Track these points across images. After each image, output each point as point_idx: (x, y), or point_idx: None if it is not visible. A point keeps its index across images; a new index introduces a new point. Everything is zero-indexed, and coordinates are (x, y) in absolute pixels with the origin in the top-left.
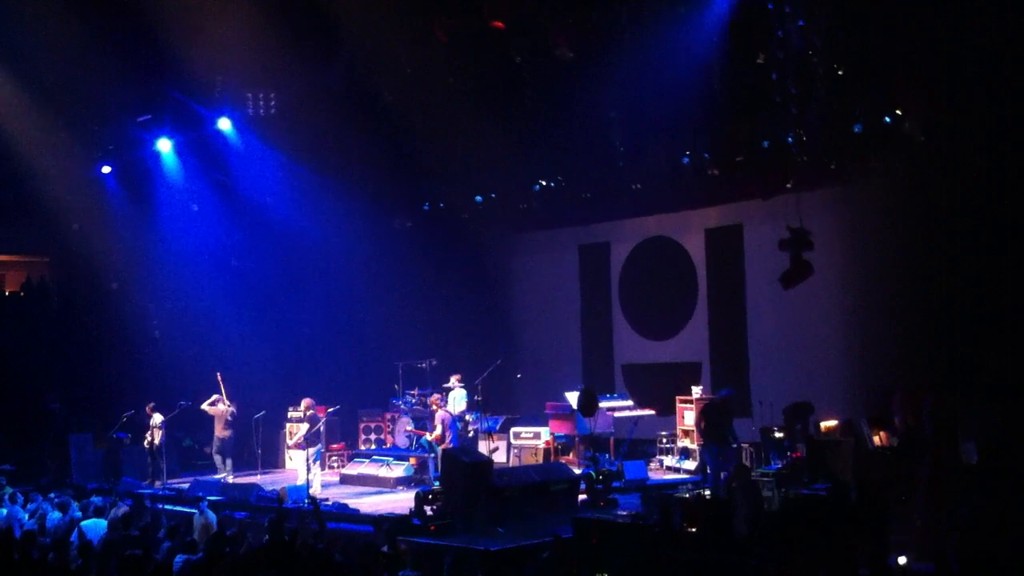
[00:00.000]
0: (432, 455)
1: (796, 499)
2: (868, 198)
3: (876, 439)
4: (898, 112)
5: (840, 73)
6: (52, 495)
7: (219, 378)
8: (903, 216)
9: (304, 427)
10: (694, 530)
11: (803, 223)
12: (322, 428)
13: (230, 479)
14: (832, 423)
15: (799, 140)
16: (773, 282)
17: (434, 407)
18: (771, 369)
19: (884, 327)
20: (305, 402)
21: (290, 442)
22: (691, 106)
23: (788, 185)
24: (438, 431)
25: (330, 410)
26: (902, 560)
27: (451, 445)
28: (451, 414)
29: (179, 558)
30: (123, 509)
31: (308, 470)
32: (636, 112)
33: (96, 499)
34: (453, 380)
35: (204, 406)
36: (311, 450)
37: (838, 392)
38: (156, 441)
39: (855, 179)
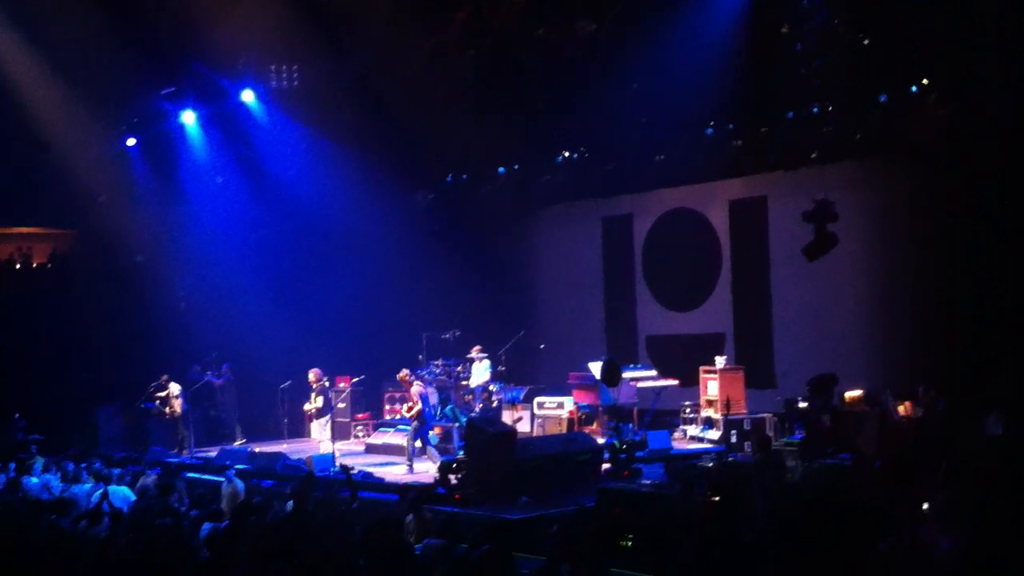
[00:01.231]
0: (457, 425)
1: (820, 469)
2: (893, 169)
3: (901, 409)
4: (924, 82)
5: (865, 43)
6: (84, 464)
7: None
8: (927, 187)
9: (320, 399)
10: (717, 499)
11: (827, 195)
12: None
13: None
14: (856, 394)
15: (823, 111)
16: (797, 254)
17: (403, 383)
18: (795, 340)
19: (908, 298)
20: (314, 372)
21: (309, 408)
22: (715, 77)
23: (812, 156)
24: (419, 406)
25: (354, 380)
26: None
27: (425, 418)
28: (424, 388)
29: (206, 526)
30: (151, 478)
31: (332, 440)
32: (659, 83)
33: (119, 469)
34: (475, 351)
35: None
36: (322, 420)
37: (862, 363)
38: (177, 411)
39: (880, 150)
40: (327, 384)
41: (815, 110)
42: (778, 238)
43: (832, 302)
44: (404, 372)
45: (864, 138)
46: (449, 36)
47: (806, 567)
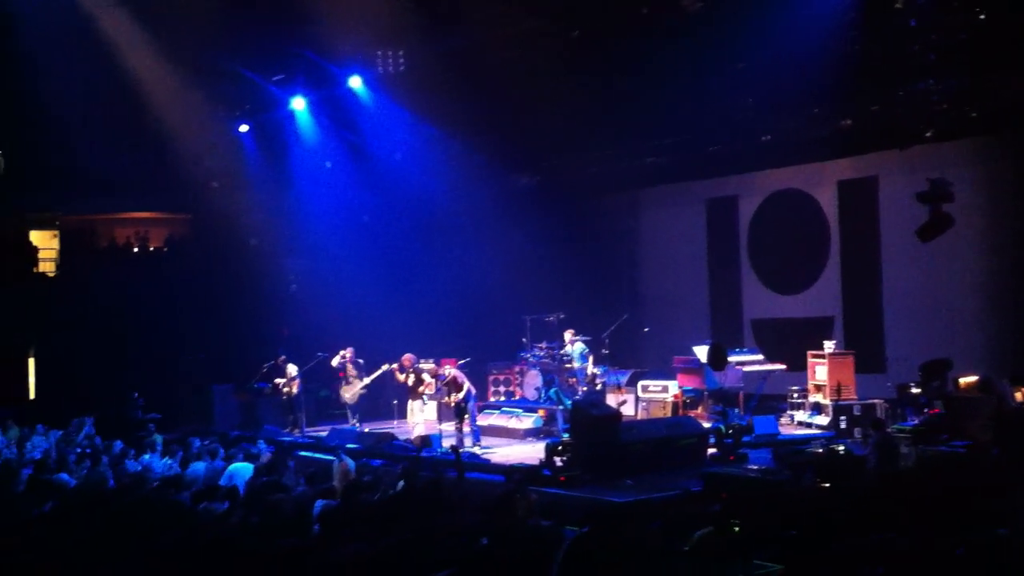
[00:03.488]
0: (561, 407)
1: (934, 457)
2: (1010, 147)
3: (1018, 395)
4: None
5: (981, 17)
6: (206, 442)
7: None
8: None
9: (433, 381)
10: (827, 486)
11: (942, 174)
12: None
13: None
14: (971, 379)
15: (939, 87)
16: (910, 235)
17: (426, 374)
18: (907, 324)
19: None
20: (409, 357)
21: (428, 392)
22: (824, 53)
23: (927, 135)
24: (466, 387)
25: (460, 363)
26: None
27: (469, 403)
28: (463, 373)
29: (318, 503)
30: (265, 456)
31: (438, 421)
32: (766, 61)
33: (234, 448)
34: (568, 334)
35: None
36: (418, 402)
37: (978, 347)
38: (294, 391)
39: (997, 128)
40: (421, 367)
41: (931, 82)
42: (889, 219)
43: (946, 284)
44: (433, 367)
45: (981, 115)
46: (552, 16)
47: (920, 555)
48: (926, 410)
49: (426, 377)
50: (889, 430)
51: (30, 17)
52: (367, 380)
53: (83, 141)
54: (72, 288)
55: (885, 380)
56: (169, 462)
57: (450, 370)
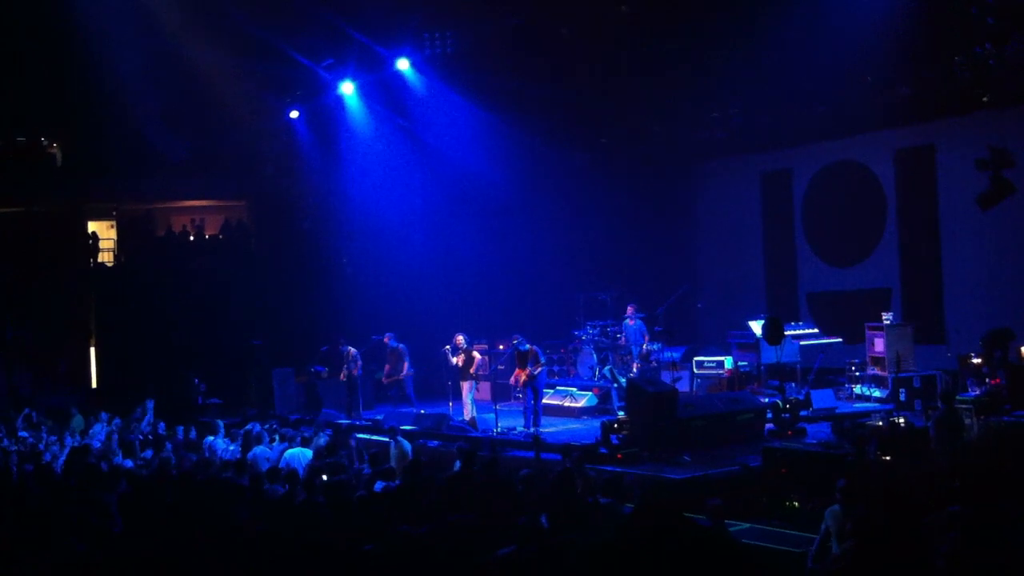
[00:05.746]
0: (616, 385)
1: (997, 427)
2: None
3: None
4: None
5: None
6: (267, 426)
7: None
8: None
9: (462, 358)
10: (889, 459)
11: (1003, 140)
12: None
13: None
14: None
15: (997, 51)
16: (969, 203)
17: (476, 353)
18: (968, 294)
19: None
20: (459, 337)
21: (481, 374)
22: (878, 19)
23: (985, 100)
24: (543, 365)
25: (514, 342)
26: None
27: (540, 384)
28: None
29: (378, 484)
30: (324, 439)
31: (493, 401)
32: (820, 30)
33: (293, 431)
34: (629, 310)
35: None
36: (469, 382)
37: None
38: (354, 375)
39: None
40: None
41: (989, 46)
42: (948, 188)
43: (1008, 252)
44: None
45: None
46: None
47: (986, 528)
48: (988, 381)
49: (476, 356)
50: None
51: (89, 11)
52: (395, 377)
53: (140, 131)
54: (131, 277)
55: (946, 351)
56: (214, 446)
57: (530, 346)
